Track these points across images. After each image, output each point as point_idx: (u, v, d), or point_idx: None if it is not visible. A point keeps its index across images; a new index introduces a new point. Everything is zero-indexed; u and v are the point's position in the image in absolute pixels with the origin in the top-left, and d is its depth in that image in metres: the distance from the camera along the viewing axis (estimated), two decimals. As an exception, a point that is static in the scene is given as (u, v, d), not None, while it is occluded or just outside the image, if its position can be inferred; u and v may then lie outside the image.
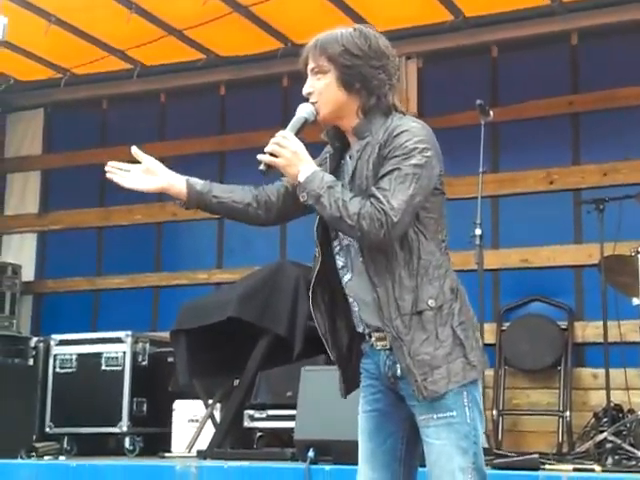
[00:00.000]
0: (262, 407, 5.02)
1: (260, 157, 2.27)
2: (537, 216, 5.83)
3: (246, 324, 4.90)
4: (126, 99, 7.22)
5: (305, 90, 2.34)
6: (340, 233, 2.33)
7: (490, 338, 5.63)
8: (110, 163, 2.46)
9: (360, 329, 2.37)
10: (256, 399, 5.04)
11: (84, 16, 5.92)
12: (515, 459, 4.04)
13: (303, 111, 2.32)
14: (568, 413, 5.35)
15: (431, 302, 2.22)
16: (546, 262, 5.85)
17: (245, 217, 2.48)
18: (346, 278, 2.36)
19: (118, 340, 5.78)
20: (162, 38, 6.16)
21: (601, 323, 5.11)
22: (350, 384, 2.43)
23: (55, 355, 5.86)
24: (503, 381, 5.66)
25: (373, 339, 2.33)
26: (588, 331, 5.65)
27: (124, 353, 5.73)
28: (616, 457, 4.38)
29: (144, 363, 5.81)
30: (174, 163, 7.57)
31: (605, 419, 4.90)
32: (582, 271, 5.77)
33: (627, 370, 5.09)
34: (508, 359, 5.70)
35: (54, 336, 5.95)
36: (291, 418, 4.63)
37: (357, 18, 6.00)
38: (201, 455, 4.87)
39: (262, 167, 2.28)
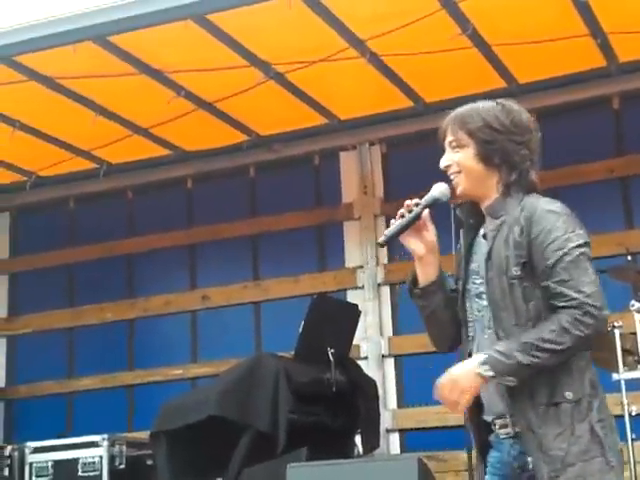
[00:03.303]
0: (246, 504, 4.89)
1: None
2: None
3: (227, 421, 4.82)
4: (93, 198, 7.22)
5: (443, 163, 2.32)
6: (467, 309, 2.28)
7: (472, 419, 5.59)
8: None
9: (485, 416, 2.27)
10: (239, 497, 4.92)
11: (49, 120, 5.96)
12: None
13: (436, 190, 2.31)
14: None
15: (568, 395, 2.11)
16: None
17: (446, 334, 2.36)
18: None
19: (94, 444, 5.61)
20: (128, 137, 6.20)
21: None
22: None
23: (30, 463, 5.67)
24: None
25: (497, 427, 2.23)
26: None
27: (101, 457, 5.56)
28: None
29: (122, 466, 5.64)
30: (144, 259, 7.67)
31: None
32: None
33: None
34: (491, 439, 5.64)
35: (28, 443, 5.77)
36: (276, 515, 4.52)
37: (318, 107, 6.14)
38: None
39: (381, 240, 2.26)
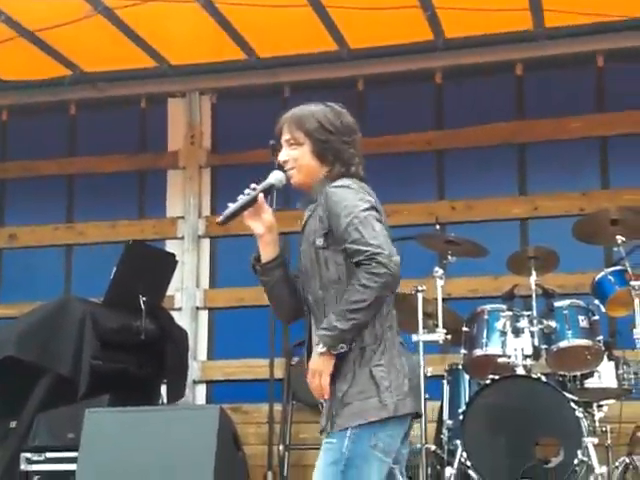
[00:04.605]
0: (41, 449, 4.78)
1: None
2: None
3: (26, 363, 4.66)
4: None
5: (281, 158, 2.55)
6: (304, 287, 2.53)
7: (279, 373, 5.72)
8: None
9: None
10: (34, 441, 4.80)
11: None
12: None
13: (272, 178, 2.55)
14: (351, 446, 5.48)
15: (352, 345, 2.37)
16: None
17: (286, 308, 2.59)
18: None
19: None
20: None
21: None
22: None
23: None
24: (290, 416, 5.74)
25: None
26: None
27: None
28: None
29: None
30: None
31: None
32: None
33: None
34: (296, 393, 5.79)
35: None
36: (72, 460, 4.47)
37: (148, 49, 5.97)
38: (-28, 504, 4.56)
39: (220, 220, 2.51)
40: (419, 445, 4.67)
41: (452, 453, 4.58)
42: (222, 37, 5.77)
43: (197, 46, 6.01)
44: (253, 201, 2.53)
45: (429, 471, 4.60)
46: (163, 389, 5.54)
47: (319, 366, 2.36)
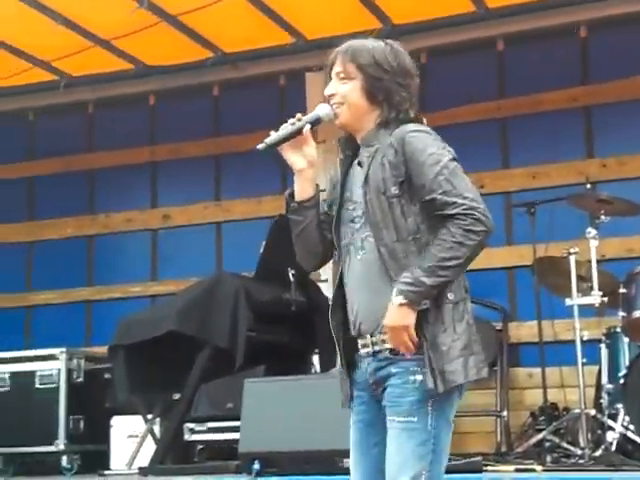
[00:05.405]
0: (202, 420, 4.97)
1: None
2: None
3: (186, 337, 4.85)
4: (53, 110, 7.08)
5: (328, 91, 2.38)
6: (341, 234, 2.35)
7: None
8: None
9: (353, 332, 2.34)
10: (196, 412, 4.99)
11: (8, 28, 5.79)
12: (458, 462, 4.06)
13: (320, 110, 2.37)
14: (505, 413, 5.43)
15: (450, 295, 2.23)
16: (479, 264, 5.88)
17: (315, 253, 2.42)
18: (346, 280, 2.34)
19: (52, 357, 5.64)
20: (89, 48, 6.05)
21: (535, 323, 5.23)
22: (348, 396, 2.39)
23: (-13, 374, 5.70)
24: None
25: (359, 345, 2.31)
26: (522, 331, 5.76)
27: (59, 370, 5.59)
28: (555, 455, 4.49)
29: (80, 380, 5.68)
30: (104, 175, 7.58)
31: (542, 418, 5.01)
32: (514, 272, 5.88)
33: (562, 368, 5.21)
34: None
35: (-14, 354, 5.79)
36: (232, 430, 4.62)
37: (285, 25, 6.03)
38: (143, 472, 4.80)
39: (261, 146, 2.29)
40: (578, 410, 4.57)
41: (613, 417, 4.45)
42: (357, 7, 5.75)
43: (332, 18, 6.01)
44: (298, 132, 2.34)
45: (589, 436, 4.49)
46: (315, 359, 5.64)
47: (401, 320, 2.16)
